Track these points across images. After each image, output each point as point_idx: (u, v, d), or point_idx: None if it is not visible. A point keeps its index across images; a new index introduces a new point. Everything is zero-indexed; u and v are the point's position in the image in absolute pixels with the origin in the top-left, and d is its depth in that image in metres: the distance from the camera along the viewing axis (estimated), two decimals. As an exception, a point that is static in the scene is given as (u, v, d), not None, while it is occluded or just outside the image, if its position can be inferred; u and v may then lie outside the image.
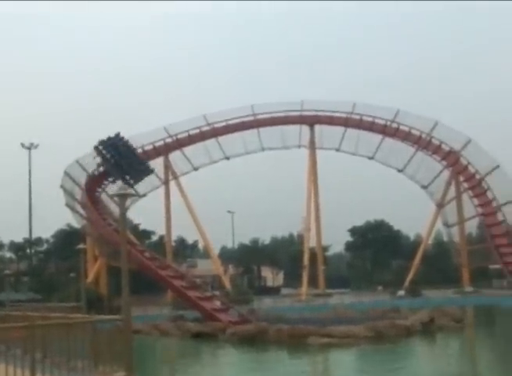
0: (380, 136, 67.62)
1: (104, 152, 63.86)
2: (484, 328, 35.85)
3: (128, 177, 63.64)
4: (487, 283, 68.99)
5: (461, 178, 63.67)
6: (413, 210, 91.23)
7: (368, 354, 25.19)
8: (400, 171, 67.52)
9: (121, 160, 63.31)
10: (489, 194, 60.24)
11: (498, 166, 60.05)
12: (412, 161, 66.77)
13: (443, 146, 64.74)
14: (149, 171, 66.49)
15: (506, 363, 22.21)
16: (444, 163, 64.97)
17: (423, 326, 30.15)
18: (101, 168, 64.64)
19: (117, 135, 64.32)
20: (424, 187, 66.86)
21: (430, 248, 78.92)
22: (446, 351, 26.31)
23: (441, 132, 64.59)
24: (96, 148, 63.70)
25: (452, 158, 63.99)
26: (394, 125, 67.01)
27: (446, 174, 65.49)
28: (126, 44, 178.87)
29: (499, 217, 59.76)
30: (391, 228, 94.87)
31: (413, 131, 66.15)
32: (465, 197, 63.72)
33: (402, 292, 63.29)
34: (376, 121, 67.64)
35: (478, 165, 61.69)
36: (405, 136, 66.49)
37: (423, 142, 65.64)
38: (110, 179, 64.60)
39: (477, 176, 61.56)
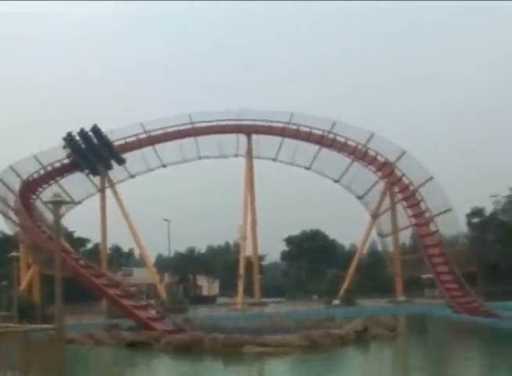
0: (316, 147, 68.17)
1: (73, 142, 65.06)
2: (417, 337, 36.47)
3: (97, 167, 65.66)
4: (419, 292, 70.10)
5: (395, 189, 64.44)
6: (349, 220, 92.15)
7: (302, 363, 25.26)
8: (336, 181, 68.09)
9: (90, 151, 64.69)
10: (422, 205, 61.11)
11: (431, 178, 61.14)
12: (348, 172, 67.41)
13: (378, 157, 65.48)
14: (120, 162, 67.55)
15: (436, 370, 22.82)
16: (379, 174, 65.72)
17: (358, 335, 30.40)
18: (67, 160, 65.48)
19: (94, 126, 65.81)
20: (360, 197, 67.56)
21: (364, 258, 79.79)
22: (380, 359, 26.59)
23: (377, 144, 65.43)
24: (65, 139, 64.65)
25: (387, 169, 64.80)
26: (331, 136, 67.50)
27: (381, 185, 66.27)
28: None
29: (432, 227, 60.68)
30: (327, 237, 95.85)
31: (349, 143, 66.80)
32: (399, 207, 64.52)
33: (336, 301, 63.80)
34: (314, 131, 68.05)
35: (412, 177, 62.60)
36: (342, 147, 67.10)
37: (359, 153, 66.32)
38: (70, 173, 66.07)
39: (411, 187, 62.40)
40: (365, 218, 68.13)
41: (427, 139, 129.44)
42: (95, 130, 66.08)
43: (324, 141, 67.76)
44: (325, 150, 67.92)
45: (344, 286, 65.90)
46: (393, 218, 65.68)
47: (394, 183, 64.45)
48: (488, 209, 70.17)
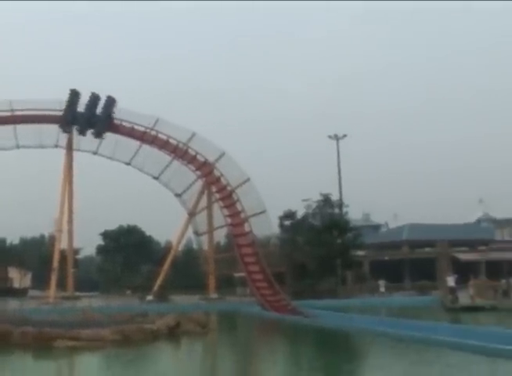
0: (138, 143, 67.88)
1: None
2: (227, 333, 37.30)
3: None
4: (231, 290, 71.54)
5: (213, 189, 65.30)
6: (166, 217, 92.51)
7: (113, 357, 25.17)
8: (156, 178, 68.08)
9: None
10: (238, 206, 62.37)
11: (248, 179, 62.62)
12: (168, 169, 67.66)
13: (198, 156, 66.04)
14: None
15: (242, 363, 23.53)
16: (198, 173, 66.34)
17: (170, 330, 30.61)
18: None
19: (109, 97, 67.88)
20: (178, 195, 67.92)
21: (180, 255, 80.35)
22: (189, 353, 27.07)
23: (198, 143, 66.07)
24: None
25: (206, 169, 65.51)
26: (153, 133, 67.47)
27: (199, 184, 67.03)
28: None
29: (246, 228, 62.08)
30: (143, 233, 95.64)
31: (171, 141, 66.98)
32: (216, 207, 65.52)
33: (150, 297, 63.78)
34: (136, 127, 67.71)
35: (230, 177, 63.81)
36: (163, 145, 67.09)
37: (179, 152, 66.58)
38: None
39: (229, 188, 63.52)
40: (183, 216, 68.76)
41: (248, 141, 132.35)
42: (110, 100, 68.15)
43: (146, 137, 67.44)
44: (146, 147, 67.79)
45: (158, 282, 65.93)
46: (209, 217, 66.65)
47: (212, 183, 65.25)
48: (300, 213, 72.86)
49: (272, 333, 37.65)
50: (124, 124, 67.93)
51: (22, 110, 66.80)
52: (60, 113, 67.58)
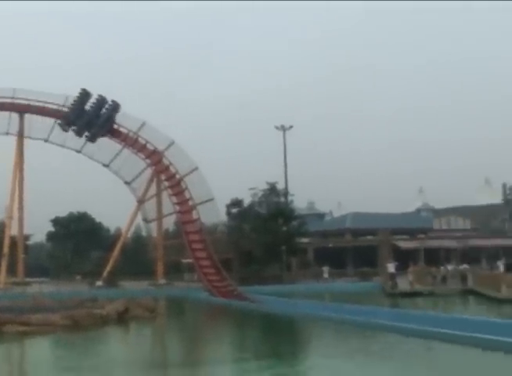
0: (89, 131, 67.30)
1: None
2: (174, 317, 37.66)
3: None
4: (179, 276, 71.59)
5: (162, 177, 65.32)
6: (115, 204, 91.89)
7: (63, 341, 25.25)
8: (106, 166, 67.69)
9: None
10: (187, 193, 62.54)
11: (196, 168, 62.75)
12: (118, 158, 67.31)
13: (148, 145, 65.91)
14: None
15: (189, 346, 24.11)
16: (148, 161, 66.19)
17: (119, 315, 30.75)
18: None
19: (114, 102, 66.20)
20: (127, 183, 67.71)
21: (129, 242, 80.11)
22: (138, 338, 27.32)
23: (148, 133, 65.88)
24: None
25: (155, 157, 65.43)
26: (105, 122, 67.00)
27: (149, 172, 66.90)
28: None
29: (194, 215, 62.37)
30: (94, 220, 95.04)
31: (122, 129, 66.69)
32: (165, 194, 65.50)
33: (99, 283, 63.63)
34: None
35: (179, 166, 63.81)
36: (114, 133, 66.77)
37: (129, 140, 66.34)
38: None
39: (177, 176, 63.60)
40: (132, 203, 68.57)
41: (195, 131, 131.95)
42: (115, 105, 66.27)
43: (97, 126, 67.00)
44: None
45: (108, 268, 65.79)
46: (158, 205, 66.68)
47: (162, 171, 65.24)
48: (247, 201, 73.26)
49: (218, 318, 38.18)
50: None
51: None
52: (65, 110, 66.80)
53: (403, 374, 15.67)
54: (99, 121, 65.80)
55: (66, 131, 66.64)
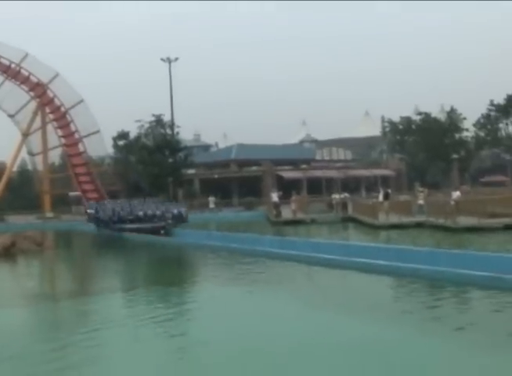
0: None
1: None
2: (62, 250, 37.36)
3: None
4: (67, 209, 70.46)
5: (47, 110, 63.67)
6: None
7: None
8: (-13, 98, 65.12)
9: None
10: (72, 126, 61.38)
11: (82, 100, 61.43)
12: (1, 90, 64.75)
13: (32, 77, 63.80)
14: None
15: (77, 275, 24.83)
16: (31, 94, 64.24)
17: (5, 249, 30.15)
18: None
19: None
20: (11, 116, 65.57)
21: (14, 176, 77.91)
22: (26, 270, 27.14)
23: (31, 64, 63.51)
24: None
25: (39, 90, 63.56)
26: (-16, 52, 64.04)
27: (33, 105, 64.96)
28: None
29: (80, 148, 61.42)
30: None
31: (3, 60, 63.90)
32: (50, 127, 63.97)
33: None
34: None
35: (64, 98, 62.23)
36: (-6, 65, 64.09)
37: (12, 72, 63.86)
38: None
39: (63, 109, 62.19)
40: (16, 136, 66.51)
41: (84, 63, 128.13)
42: None
43: (-25, 57, 63.97)
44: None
45: (-6, 203, 64.07)
46: (43, 138, 65.05)
47: (46, 104, 63.63)
48: (133, 133, 72.49)
49: (103, 247, 38.33)
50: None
51: None
52: None
53: (282, 296, 16.25)
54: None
55: None
